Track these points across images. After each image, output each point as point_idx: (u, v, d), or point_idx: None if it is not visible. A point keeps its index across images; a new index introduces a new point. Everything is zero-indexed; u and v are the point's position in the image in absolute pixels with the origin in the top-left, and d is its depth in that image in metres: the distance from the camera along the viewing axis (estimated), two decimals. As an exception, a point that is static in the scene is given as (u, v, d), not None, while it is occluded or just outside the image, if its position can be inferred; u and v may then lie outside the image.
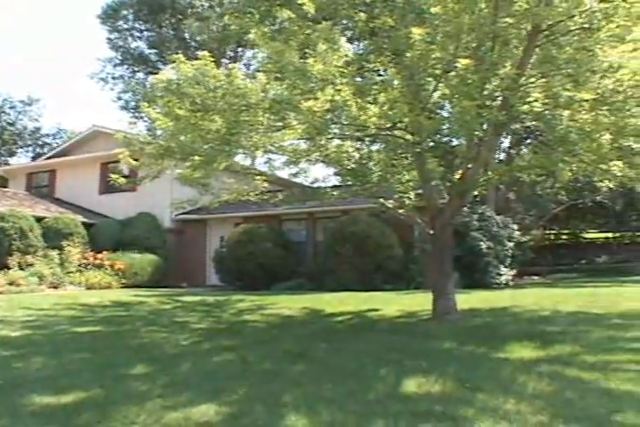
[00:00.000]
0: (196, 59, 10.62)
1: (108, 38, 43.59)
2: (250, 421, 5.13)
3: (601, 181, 11.97)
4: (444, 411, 5.22)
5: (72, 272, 20.59)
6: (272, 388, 6.18)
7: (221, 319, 12.08)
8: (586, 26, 8.61)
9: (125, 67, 44.76)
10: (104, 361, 7.73)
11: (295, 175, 12.42)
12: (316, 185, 13.45)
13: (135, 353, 8.26)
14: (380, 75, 11.29)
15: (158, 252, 23.60)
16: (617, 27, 8.48)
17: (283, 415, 5.21)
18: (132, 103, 42.37)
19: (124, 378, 6.77)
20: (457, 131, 10.08)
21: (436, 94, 10.30)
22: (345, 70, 9.68)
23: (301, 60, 9.36)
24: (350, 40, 12.01)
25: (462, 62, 8.39)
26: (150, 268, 22.83)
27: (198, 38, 40.77)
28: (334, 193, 12.50)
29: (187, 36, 42.39)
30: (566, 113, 9.93)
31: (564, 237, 39.00)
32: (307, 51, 9.57)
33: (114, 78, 44.93)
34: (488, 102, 8.95)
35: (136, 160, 12.04)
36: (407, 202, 11.75)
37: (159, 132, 11.81)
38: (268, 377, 6.71)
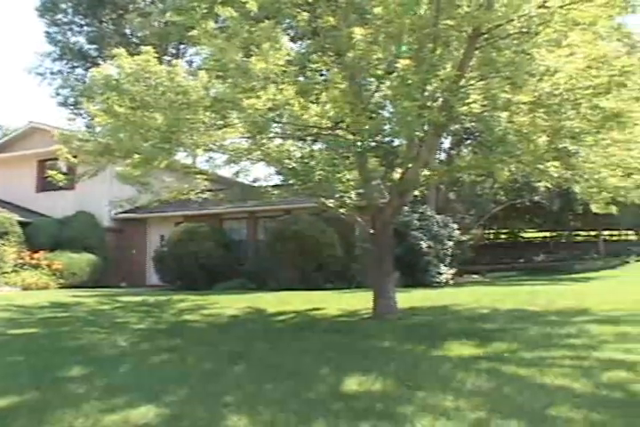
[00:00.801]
0: (137, 55, 10.47)
1: (47, 32, 42.50)
2: (190, 422, 5.09)
3: (538, 181, 12.28)
4: (385, 409, 5.27)
5: (7, 272, 20.11)
6: (213, 388, 6.14)
7: (161, 320, 11.93)
8: (524, 30, 8.77)
9: (64, 62, 43.59)
10: (40, 364, 7.55)
11: (236, 174, 12.34)
12: (257, 184, 13.41)
13: (73, 355, 8.09)
14: (322, 74, 11.31)
15: (97, 251, 23.22)
16: (554, 32, 8.69)
17: (224, 416, 5.18)
18: (71, 99, 41.45)
19: (61, 381, 6.64)
20: (398, 131, 10.16)
21: (378, 94, 10.37)
22: (287, 69, 9.67)
23: (244, 59, 9.32)
24: (293, 39, 12.00)
25: (403, 63, 8.48)
26: (89, 268, 22.47)
27: (140, 34, 40.14)
28: (275, 192, 12.47)
29: (128, 31, 41.67)
30: (504, 115, 10.13)
31: (503, 236, 39.73)
32: (250, 49, 9.53)
33: (52, 73, 43.80)
34: (429, 103, 9.04)
35: (75, 157, 11.82)
36: (348, 201, 11.78)
37: (98, 129, 11.61)
38: (209, 378, 6.66)
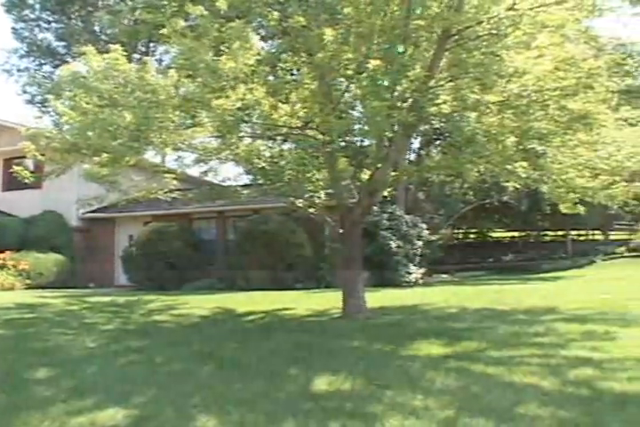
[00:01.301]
0: (106, 52, 10.38)
1: (14, 28, 41.86)
2: (159, 423, 5.05)
3: (507, 181, 12.38)
4: (354, 408, 5.26)
5: (-28, 273, 19.79)
6: (181, 389, 6.09)
7: (130, 320, 11.82)
8: (494, 32, 8.85)
9: (32, 59, 42.96)
10: (5, 366, 7.43)
11: (205, 173, 12.28)
12: (226, 184, 13.35)
13: (39, 357, 7.96)
14: (292, 74, 11.29)
15: (64, 251, 22.93)
16: (523, 34, 8.80)
17: (193, 417, 5.14)
18: (39, 97, 40.82)
19: (27, 383, 6.53)
20: (367, 131, 10.19)
21: (348, 95, 10.38)
22: (257, 69, 9.65)
23: (214, 58, 9.27)
24: (263, 38, 11.97)
25: (373, 63, 8.49)
26: (56, 268, 22.19)
27: (109, 32, 39.70)
28: (244, 192, 12.43)
29: (97, 29, 41.20)
30: (473, 115, 10.21)
31: (472, 236, 40.00)
32: (220, 48, 9.49)
33: (19, 70, 43.11)
34: (398, 103, 9.07)
35: (42, 155, 11.66)
36: (317, 201, 11.79)
37: (66, 127, 11.46)
38: (178, 378, 6.61)
